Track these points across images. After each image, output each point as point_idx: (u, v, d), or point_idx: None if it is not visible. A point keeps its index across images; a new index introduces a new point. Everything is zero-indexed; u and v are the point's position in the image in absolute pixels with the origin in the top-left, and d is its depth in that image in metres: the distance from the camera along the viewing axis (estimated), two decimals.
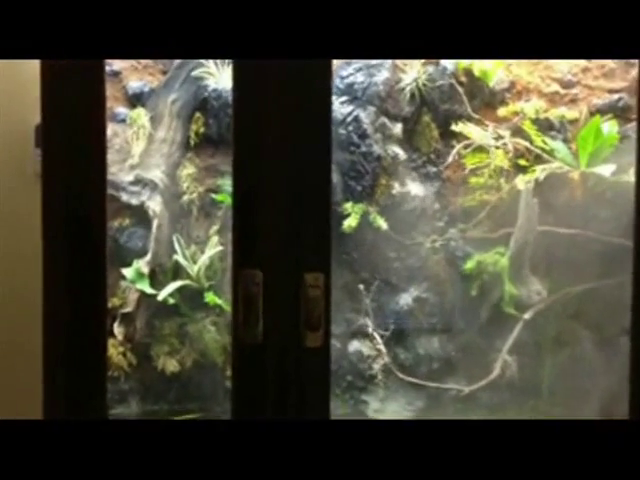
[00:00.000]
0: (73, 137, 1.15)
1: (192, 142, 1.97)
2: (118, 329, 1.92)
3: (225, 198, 1.91)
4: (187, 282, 1.92)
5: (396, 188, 2.00)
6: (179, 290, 1.93)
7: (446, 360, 2.00)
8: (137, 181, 1.96)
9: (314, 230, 1.14)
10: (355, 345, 2.00)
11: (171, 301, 1.92)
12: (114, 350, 1.93)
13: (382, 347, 1.96)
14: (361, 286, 1.96)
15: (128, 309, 1.93)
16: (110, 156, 1.91)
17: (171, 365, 1.93)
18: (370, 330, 1.96)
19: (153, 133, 1.95)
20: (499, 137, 1.96)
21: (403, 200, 2.00)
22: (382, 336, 1.97)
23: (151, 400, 1.94)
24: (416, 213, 2.00)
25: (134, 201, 1.95)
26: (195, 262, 1.93)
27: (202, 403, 1.92)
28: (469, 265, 1.98)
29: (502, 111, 2.01)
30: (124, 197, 1.95)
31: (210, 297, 1.91)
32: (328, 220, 1.15)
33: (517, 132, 1.99)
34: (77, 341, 1.15)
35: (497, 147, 1.95)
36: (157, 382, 1.95)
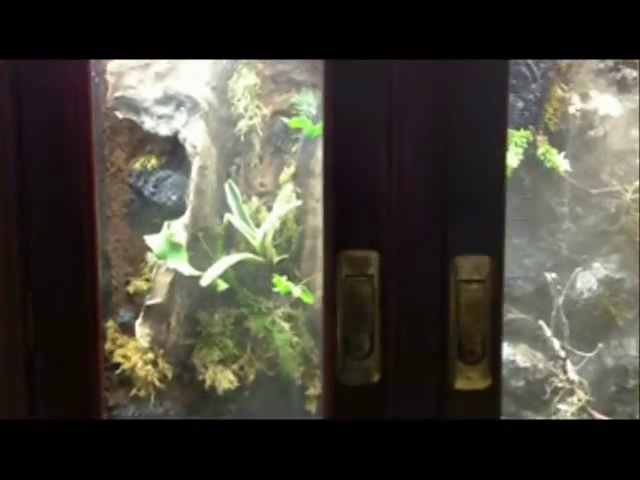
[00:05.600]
0: None
1: None
2: (142, 328, 1.43)
3: (304, 124, 1.45)
4: (246, 255, 1.46)
5: (576, 104, 1.54)
6: (234, 268, 1.47)
7: None
8: (168, 98, 1.45)
9: (471, 183, 0.76)
10: (506, 350, 1.51)
11: (223, 285, 1.45)
12: (137, 358, 1.47)
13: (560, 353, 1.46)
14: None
15: (157, 299, 1.42)
16: (126, 60, 1.44)
17: (225, 380, 1.50)
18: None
19: None
20: None
21: (587, 124, 1.55)
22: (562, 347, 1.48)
23: None
24: (608, 145, 1.56)
25: (164, 130, 1.45)
26: (258, 225, 1.47)
27: None
28: None
29: None
30: (148, 124, 1.44)
31: (279, 283, 1.43)
32: (503, 160, 0.77)
33: None
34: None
35: None
36: (205, 404, 1.53)
